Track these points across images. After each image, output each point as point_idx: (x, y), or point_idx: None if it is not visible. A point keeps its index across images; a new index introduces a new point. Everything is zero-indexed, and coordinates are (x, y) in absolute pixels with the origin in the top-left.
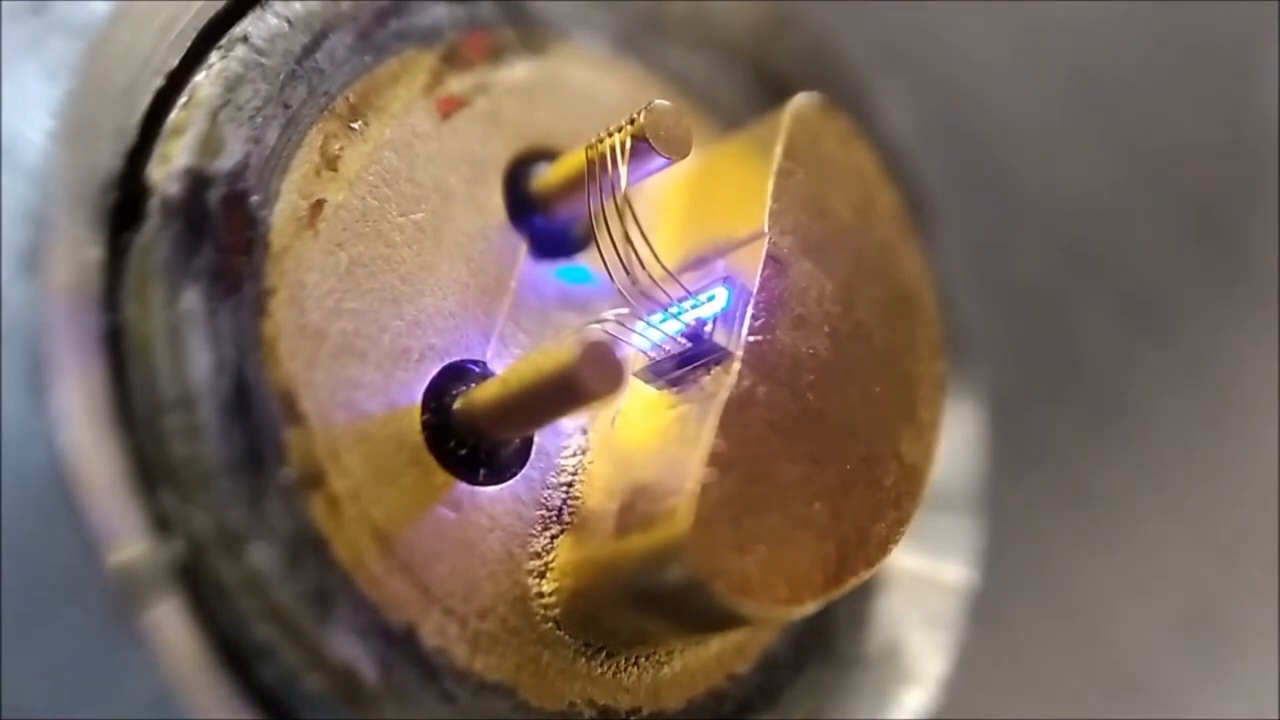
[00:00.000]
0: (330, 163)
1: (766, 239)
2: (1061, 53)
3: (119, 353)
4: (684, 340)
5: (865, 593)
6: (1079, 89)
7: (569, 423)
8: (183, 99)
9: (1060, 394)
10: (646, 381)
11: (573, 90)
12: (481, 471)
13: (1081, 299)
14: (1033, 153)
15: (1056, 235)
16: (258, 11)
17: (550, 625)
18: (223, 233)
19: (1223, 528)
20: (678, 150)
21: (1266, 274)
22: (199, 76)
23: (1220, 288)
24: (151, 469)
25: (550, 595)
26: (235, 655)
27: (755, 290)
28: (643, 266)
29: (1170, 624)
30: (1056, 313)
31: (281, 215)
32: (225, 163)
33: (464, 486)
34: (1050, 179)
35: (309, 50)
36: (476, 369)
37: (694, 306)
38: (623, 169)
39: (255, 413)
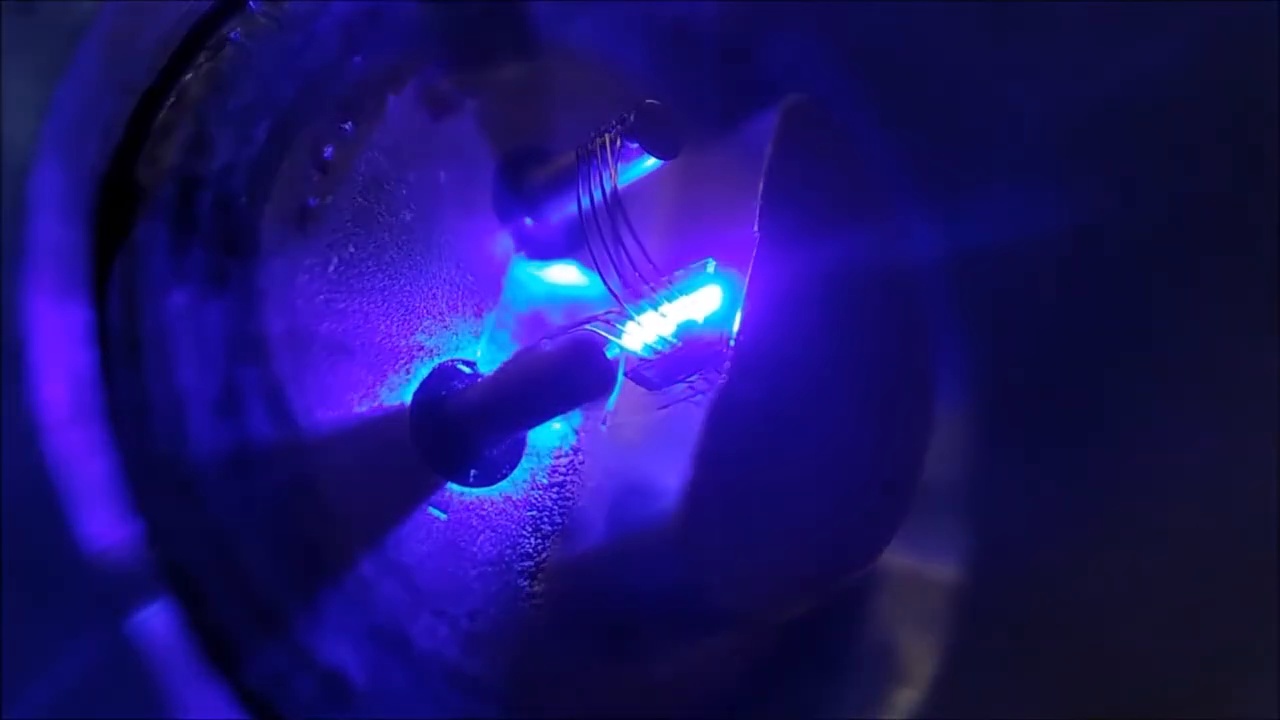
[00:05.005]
0: (319, 163)
1: (758, 238)
2: (1060, 53)
3: (107, 353)
4: (674, 340)
5: (857, 592)
6: (1079, 89)
7: (559, 423)
8: (171, 99)
9: (1056, 394)
10: (637, 381)
11: (563, 91)
12: (472, 472)
13: (1079, 300)
14: (1032, 153)
15: (1054, 236)
16: (246, 12)
17: (542, 626)
18: (211, 233)
19: (1221, 528)
20: (668, 150)
21: (1267, 275)
22: (188, 77)
23: (1220, 288)
24: (140, 469)
25: (542, 596)
26: (224, 656)
27: (746, 289)
28: (633, 266)
29: (1169, 625)
30: (1053, 313)
31: (271, 216)
32: (214, 163)
33: (454, 487)
34: (1049, 180)
35: (298, 51)
36: (467, 369)
37: (684, 306)
38: (613, 169)
39: (244, 413)
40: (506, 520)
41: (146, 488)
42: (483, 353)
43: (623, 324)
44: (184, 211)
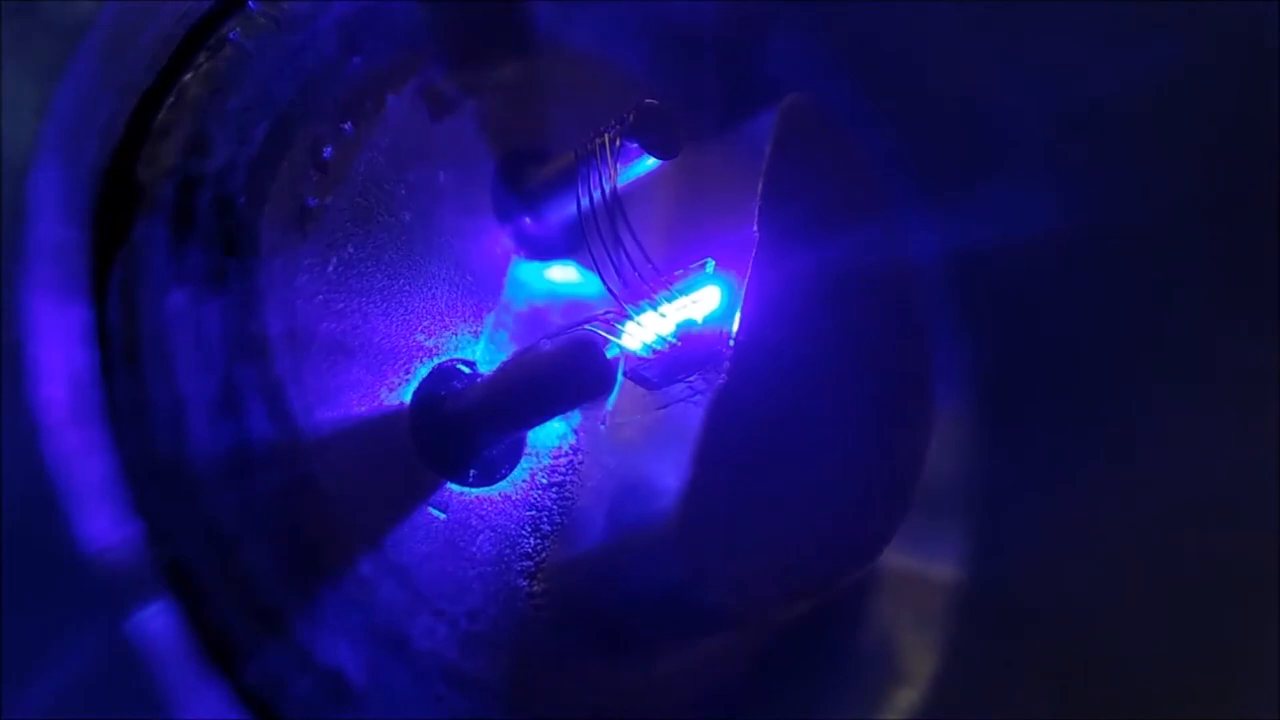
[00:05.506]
0: (319, 163)
1: (757, 237)
2: (1060, 52)
3: (107, 353)
4: (674, 340)
5: (857, 592)
6: (1079, 89)
7: (559, 423)
8: (170, 99)
9: (1056, 394)
10: (636, 381)
11: (563, 91)
12: (471, 472)
13: (1079, 300)
14: (1032, 152)
15: (1054, 235)
16: (246, 13)
17: (542, 626)
18: (211, 233)
19: (1221, 528)
20: (668, 150)
21: (1267, 274)
22: (187, 77)
23: (1220, 287)
24: (139, 469)
25: (541, 596)
26: (224, 656)
27: (746, 289)
28: (633, 266)
29: (1169, 625)
30: (1053, 312)
31: (270, 216)
32: (213, 163)
33: (454, 487)
34: (1050, 179)
35: (297, 51)
36: (466, 369)
37: (684, 306)
38: (613, 169)
39: (243, 413)
40: (506, 520)
41: (146, 488)
42: (482, 353)
43: (622, 324)
44: (183, 211)
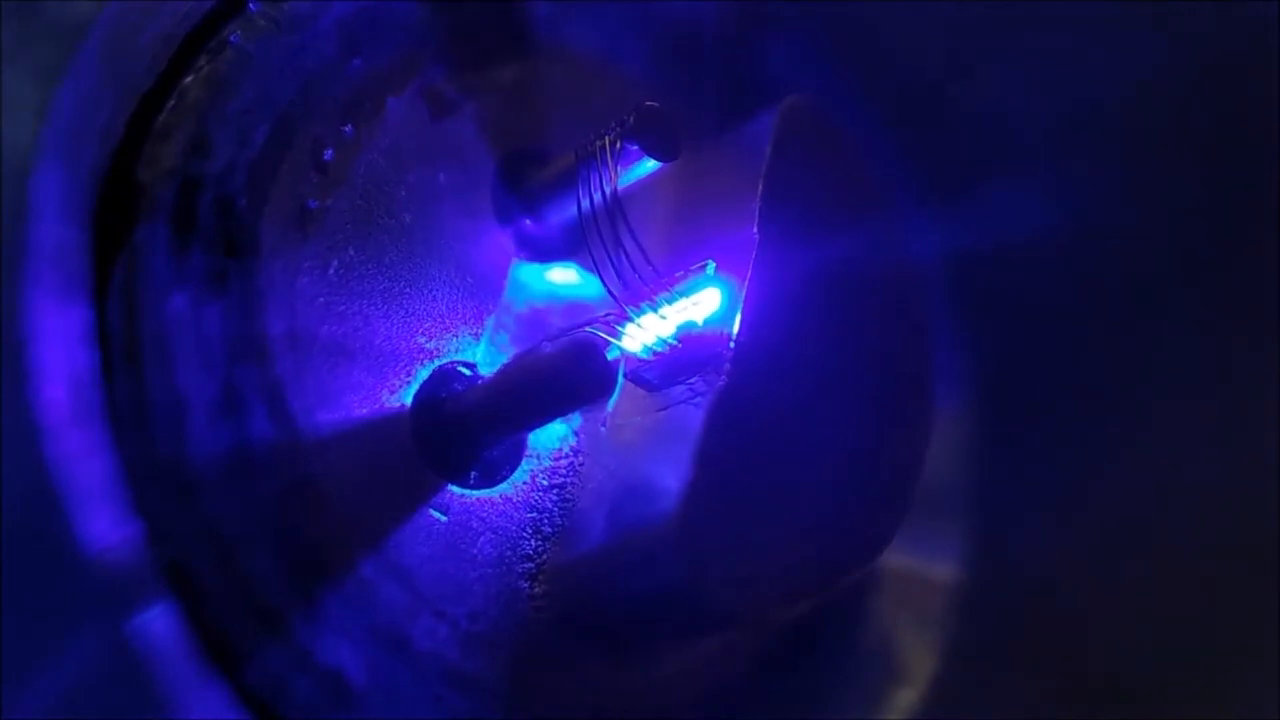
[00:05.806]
0: (319, 165)
1: (757, 239)
2: (1060, 52)
3: (108, 354)
4: (674, 341)
5: (857, 592)
6: (1079, 89)
7: (559, 425)
8: (171, 101)
9: (1056, 394)
10: (637, 383)
11: (563, 92)
12: (472, 474)
13: (1079, 300)
14: (1032, 152)
15: (1054, 235)
16: (246, 14)
17: (542, 627)
18: (212, 235)
19: (1221, 528)
20: (668, 152)
21: (1267, 275)
22: (188, 79)
23: (1220, 287)
24: (139, 470)
25: (542, 597)
26: (224, 656)
27: (746, 291)
28: (633, 268)
29: (1169, 624)
30: (1053, 312)
31: (270, 218)
32: (213, 165)
33: (455, 489)
34: (1050, 179)
35: (297, 52)
36: (467, 371)
37: (684, 308)
38: (613, 171)
39: (244, 414)
40: (507, 522)
41: (146, 488)
42: (483, 355)
43: (623, 326)
44: (184, 213)
